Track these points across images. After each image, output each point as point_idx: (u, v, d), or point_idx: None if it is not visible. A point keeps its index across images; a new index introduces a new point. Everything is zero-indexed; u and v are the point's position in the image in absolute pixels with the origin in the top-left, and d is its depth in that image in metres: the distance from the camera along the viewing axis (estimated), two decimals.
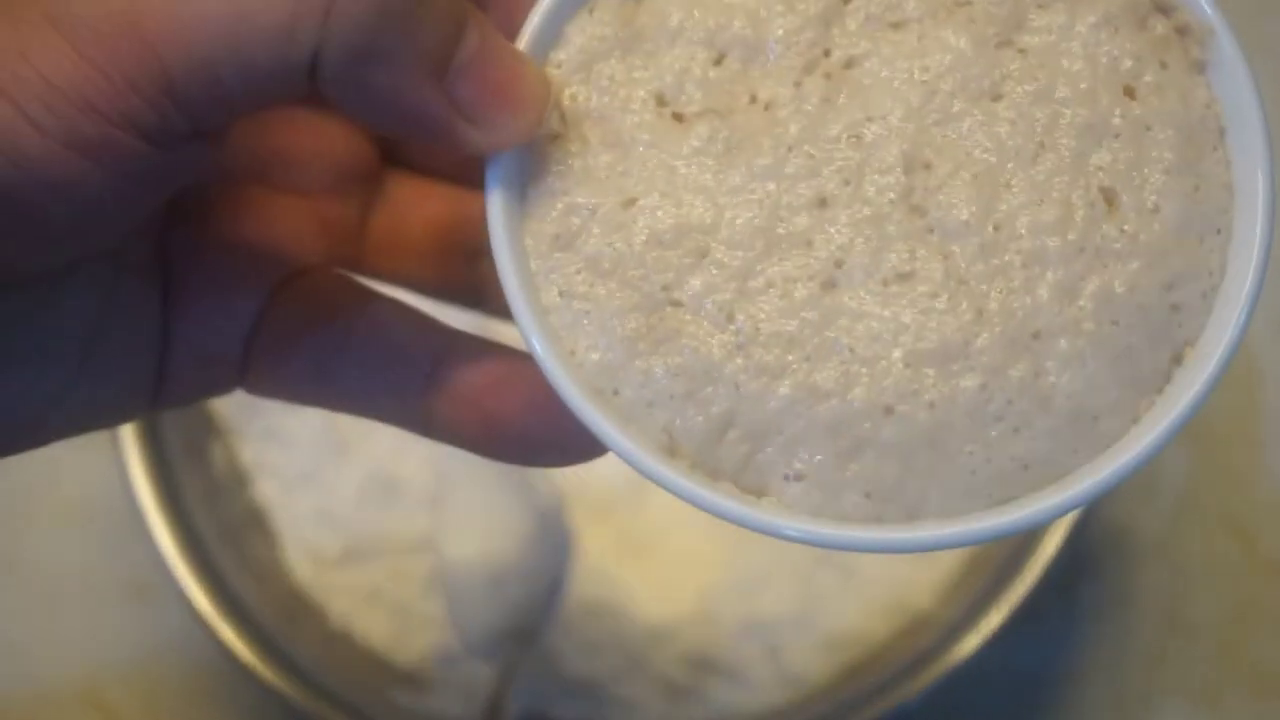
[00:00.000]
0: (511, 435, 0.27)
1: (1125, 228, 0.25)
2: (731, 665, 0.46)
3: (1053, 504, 0.24)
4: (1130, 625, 0.50)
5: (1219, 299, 0.26)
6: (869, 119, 0.26)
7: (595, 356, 0.25)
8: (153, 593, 0.49)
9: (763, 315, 0.25)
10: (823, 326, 0.25)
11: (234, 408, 0.47)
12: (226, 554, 0.45)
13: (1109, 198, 0.26)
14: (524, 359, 0.26)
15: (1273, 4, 0.55)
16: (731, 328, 0.25)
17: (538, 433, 0.27)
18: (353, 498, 0.46)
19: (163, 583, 0.43)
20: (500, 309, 0.25)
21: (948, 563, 0.46)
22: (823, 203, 0.26)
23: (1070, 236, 0.25)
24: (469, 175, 0.26)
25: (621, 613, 0.47)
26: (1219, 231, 0.26)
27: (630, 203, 0.26)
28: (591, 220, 0.26)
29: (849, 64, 0.27)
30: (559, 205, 0.26)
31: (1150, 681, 0.49)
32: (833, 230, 0.26)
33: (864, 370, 0.25)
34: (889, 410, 0.25)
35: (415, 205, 0.30)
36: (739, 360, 0.25)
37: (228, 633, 0.42)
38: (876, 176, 0.26)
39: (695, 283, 0.26)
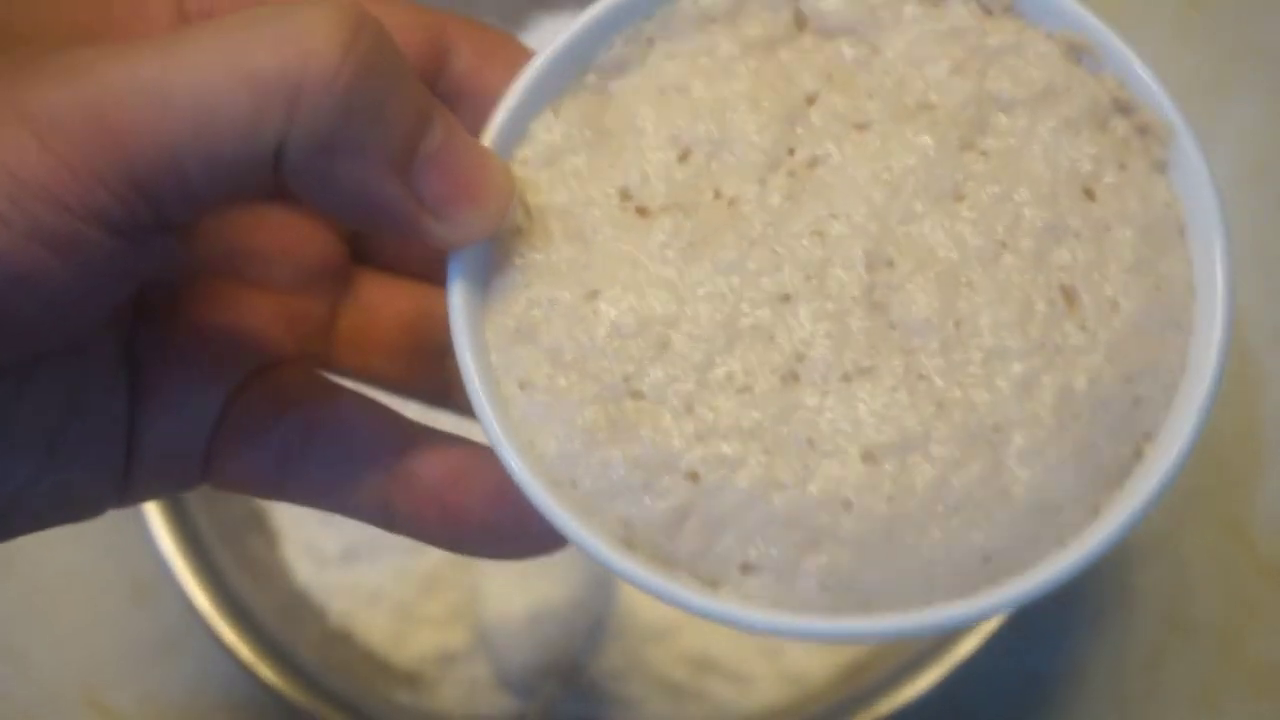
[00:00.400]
0: (472, 527, 0.27)
1: (1085, 324, 0.26)
2: (731, 665, 0.46)
3: (1010, 595, 0.24)
4: (1130, 625, 0.50)
5: (1179, 394, 0.26)
6: (833, 216, 0.26)
7: (554, 447, 0.25)
8: (152, 593, 0.49)
9: (723, 408, 0.26)
10: (782, 420, 0.25)
11: None
12: (226, 554, 0.45)
13: (1069, 296, 0.26)
14: (484, 452, 0.26)
15: (1272, 3, 0.55)
16: (691, 419, 0.26)
17: (499, 524, 0.27)
18: None
19: (163, 583, 0.43)
20: (466, 405, 0.26)
21: None
22: (785, 298, 0.26)
23: (1031, 333, 0.26)
24: (437, 273, 0.26)
25: (622, 612, 0.47)
26: (1179, 327, 0.26)
27: (592, 295, 0.26)
28: (553, 312, 0.26)
29: (813, 163, 0.27)
30: (521, 298, 0.26)
31: (1150, 682, 0.49)
32: (795, 324, 0.26)
33: (822, 463, 0.25)
34: (847, 504, 0.25)
35: (384, 302, 0.30)
36: (698, 451, 0.25)
37: (228, 633, 0.42)
38: (839, 272, 0.26)
39: (656, 373, 0.26)
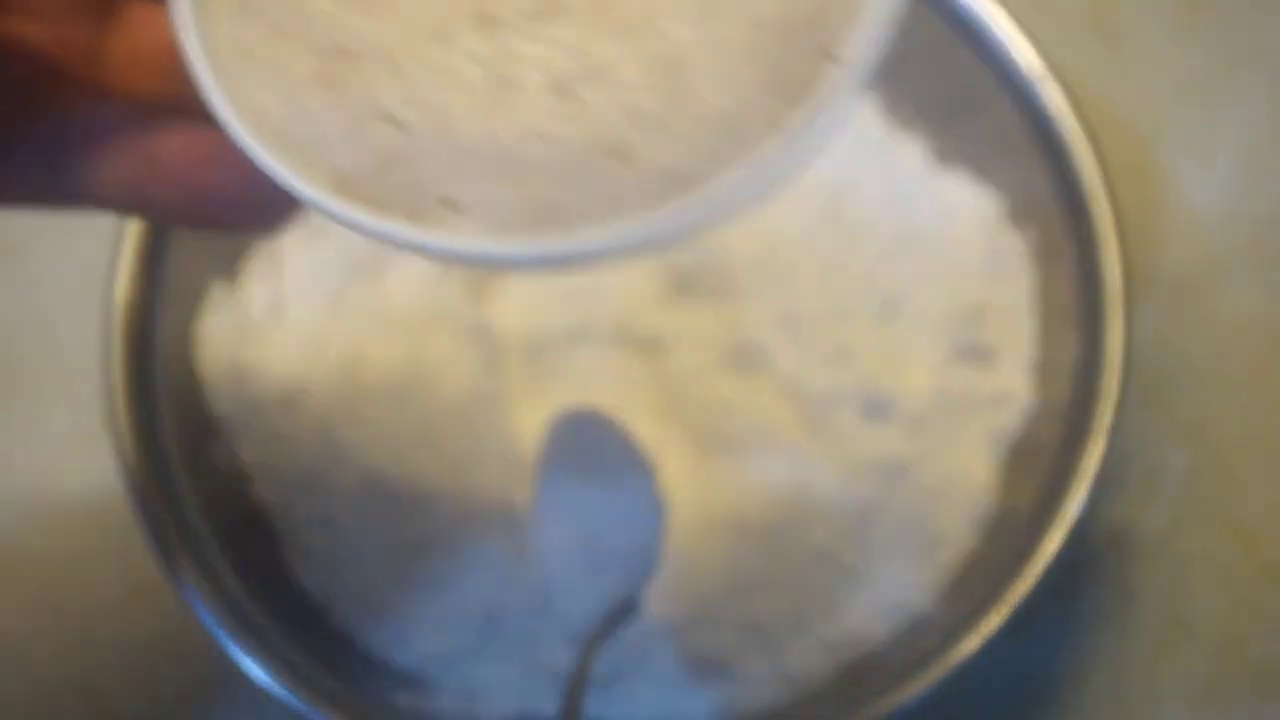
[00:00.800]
0: (216, 202, 0.29)
1: None
2: (732, 665, 0.46)
3: (696, 202, 0.25)
4: (1131, 626, 0.50)
5: (860, 13, 0.26)
6: None
7: (272, 106, 0.27)
8: (153, 593, 0.49)
9: (424, 58, 0.27)
10: (477, 61, 0.27)
11: (234, 410, 0.47)
12: (226, 555, 0.45)
13: None
14: (224, 137, 0.28)
15: (1273, 3, 0.55)
16: (397, 72, 0.27)
17: (240, 196, 0.29)
18: (353, 497, 0.47)
19: (163, 583, 0.43)
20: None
21: (947, 563, 0.46)
22: None
23: None
24: None
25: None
26: None
27: None
28: None
29: None
30: None
31: (1151, 682, 0.49)
32: None
33: (518, 99, 0.26)
34: (540, 134, 0.26)
35: (148, 24, 0.30)
36: (401, 99, 0.27)
37: (227, 635, 0.43)
38: None
39: (363, 32, 0.27)
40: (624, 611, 0.41)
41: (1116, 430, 0.43)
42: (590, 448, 0.38)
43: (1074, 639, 0.50)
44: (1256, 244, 0.53)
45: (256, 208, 0.29)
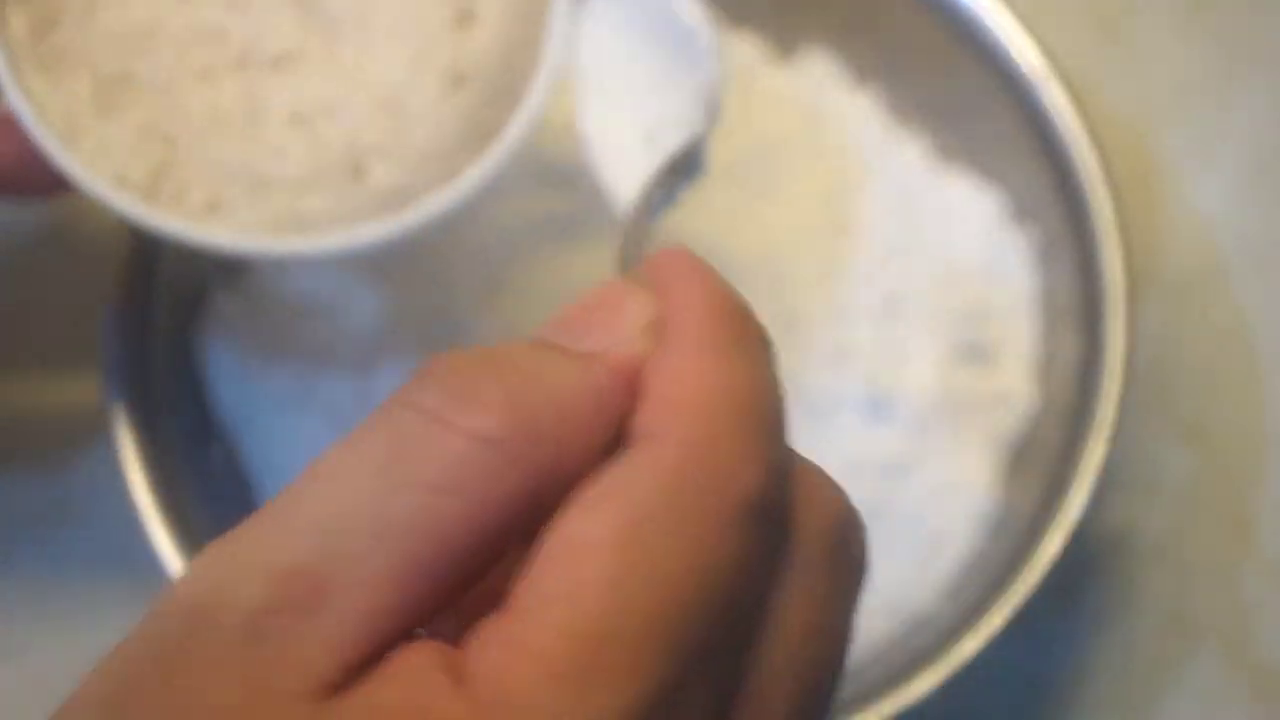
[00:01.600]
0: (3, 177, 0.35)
1: (474, 30, 0.35)
2: None
3: (406, 219, 0.33)
4: (1133, 626, 0.50)
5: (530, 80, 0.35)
6: None
7: (64, 117, 0.34)
8: (152, 592, 0.49)
9: (192, 88, 0.34)
10: (235, 95, 0.34)
11: (235, 408, 0.47)
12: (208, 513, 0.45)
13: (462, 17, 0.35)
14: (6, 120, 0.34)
15: (1275, 3, 0.55)
16: (168, 97, 0.34)
17: (23, 174, 0.35)
18: None
19: (162, 582, 0.43)
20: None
21: (948, 564, 0.46)
22: (231, 4, 0.35)
23: (424, 30, 0.34)
24: None
25: None
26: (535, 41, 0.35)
27: (91, 5, 0.34)
28: (64, 18, 0.34)
29: None
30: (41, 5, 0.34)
31: (1153, 682, 0.49)
32: (242, 22, 0.34)
33: (264, 123, 0.34)
34: (281, 153, 0.34)
35: None
36: (174, 121, 0.34)
37: None
38: None
39: (142, 65, 0.34)
40: (687, 164, 0.37)
41: (1118, 431, 0.43)
42: (630, 7, 0.37)
43: (1076, 639, 0.50)
44: (1258, 243, 0.53)
45: (30, 184, 0.36)
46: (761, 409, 0.19)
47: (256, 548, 0.17)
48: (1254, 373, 0.52)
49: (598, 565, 0.17)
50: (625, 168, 0.36)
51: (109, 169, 0.34)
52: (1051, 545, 0.43)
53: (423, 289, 0.48)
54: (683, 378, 0.18)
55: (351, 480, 0.17)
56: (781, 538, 0.19)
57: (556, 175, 0.49)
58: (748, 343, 0.20)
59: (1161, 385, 0.52)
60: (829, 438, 0.47)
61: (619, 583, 0.16)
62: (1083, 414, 0.44)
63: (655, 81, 0.37)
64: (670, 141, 0.37)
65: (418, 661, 0.16)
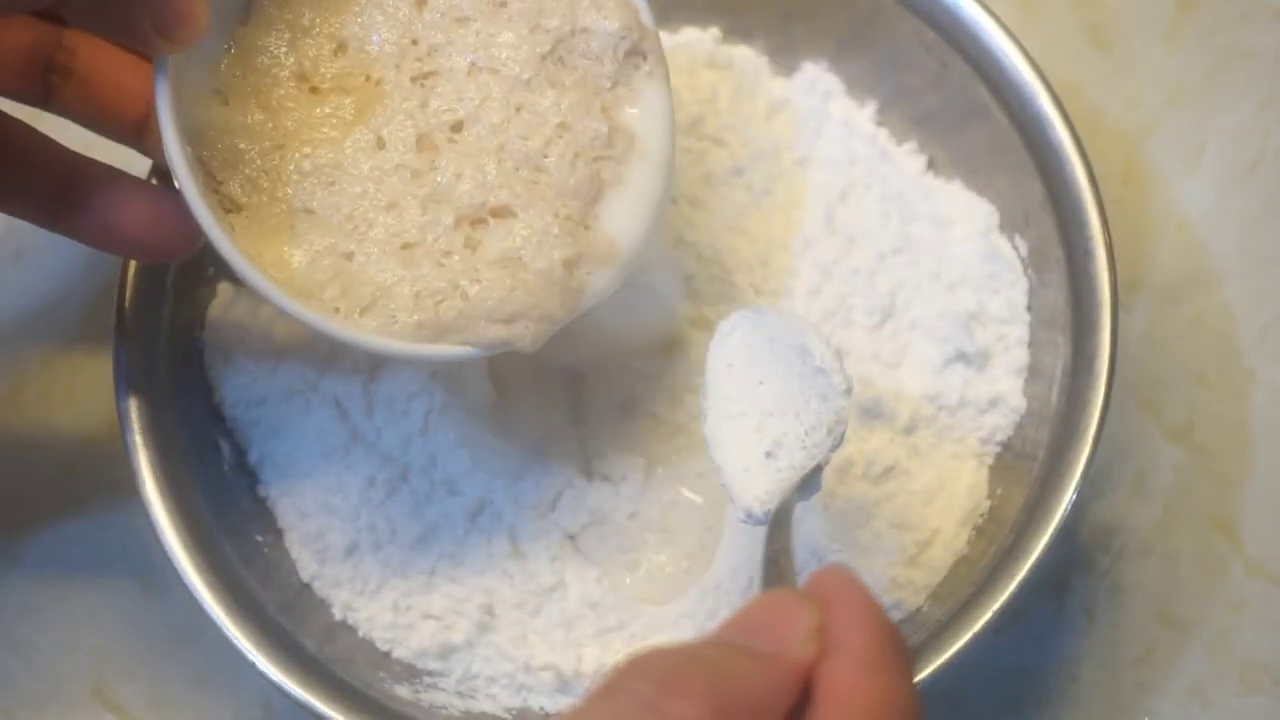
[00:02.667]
0: (160, 255, 0.41)
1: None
2: None
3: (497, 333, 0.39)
4: (1120, 622, 0.50)
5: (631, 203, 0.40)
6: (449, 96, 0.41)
7: (264, 251, 0.39)
8: (159, 587, 0.49)
9: (373, 219, 0.39)
10: (403, 230, 0.39)
11: (241, 407, 0.48)
12: (231, 549, 0.45)
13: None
14: (165, 197, 0.39)
15: (1261, 6, 0.55)
16: (351, 224, 0.39)
17: (175, 249, 0.40)
18: (358, 492, 0.47)
19: (169, 577, 0.44)
20: (73, 114, 0.41)
21: (939, 562, 0.47)
22: (418, 143, 0.40)
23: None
24: (47, 12, 0.38)
25: (623, 608, 0.47)
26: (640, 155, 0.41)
27: (280, 147, 0.40)
28: (252, 154, 0.39)
29: (432, 50, 0.41)
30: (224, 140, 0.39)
31: (1140, 677, 0.50)
32: (441, 164, 0.40)
33: (422, 257, 0.39)
34: (434, 293, 0.39)
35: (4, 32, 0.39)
36: (354, 244, 0.39)
37: (233, 627, 0.43)
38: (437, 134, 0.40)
39: (324, 198, 0.39)
40: (807, 484, 0.40)
41: (1105, 432, 0.44)
42: (763, 338, 0.41)
43: (1065, 635, 0.50)
44: (1243, 246, 0.53)
45: (175, 251, 0.41)
46: (910, 716, 0.24)
47: None
48: (1239, 373, 0.52)
49: None
50: (744, 475, 0.39)
51: (296, 283, 0.39)
52: (1040, 543, 0.43)
53: None
54: (853, 691, 0.23)
55: None
56: None
57: None
58: (900, 658, 0.24)
59: (1148, 385, 0.52)
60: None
61: None
62: (1070, 416, 0.44)
63: (780, 405, 0.40)
64: (794, 460, 0.40)
65: None
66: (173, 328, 0.47)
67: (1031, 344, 0.48)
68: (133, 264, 0.46)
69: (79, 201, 0.39)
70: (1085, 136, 0.46)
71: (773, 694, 0.23)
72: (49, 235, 0.52)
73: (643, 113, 0.40)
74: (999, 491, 0.47)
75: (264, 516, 0.48)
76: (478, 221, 0.39)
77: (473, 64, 0.40)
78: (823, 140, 0.50)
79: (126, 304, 0.45)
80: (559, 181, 0.39)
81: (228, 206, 0.39)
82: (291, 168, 0.39)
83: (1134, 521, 0.51)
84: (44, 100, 0.41)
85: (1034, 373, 0.48)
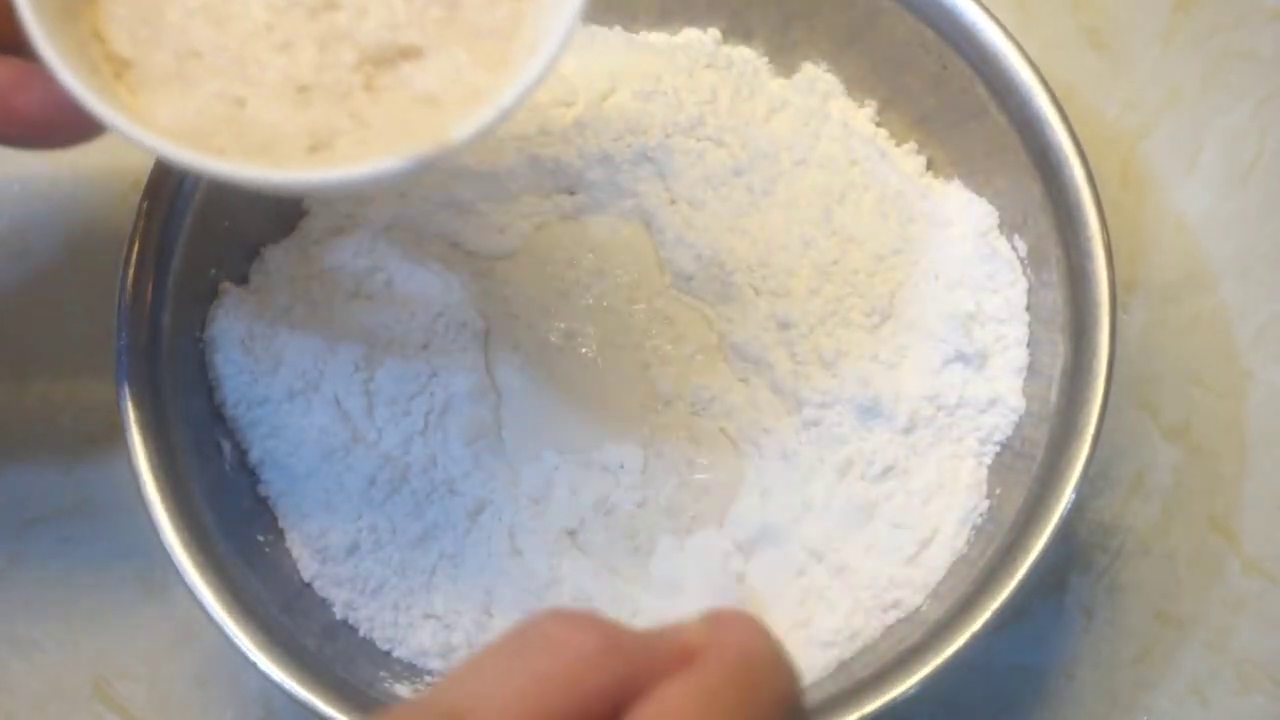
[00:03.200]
0: (30, 125, 0.36)
1: None
2: None
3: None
4: (1119, 620, 0.50)
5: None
6: None
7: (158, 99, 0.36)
8: (160, 587, 0.49)
9: (267, 59, 0.36)
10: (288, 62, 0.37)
11: (242, 407, 0.48)
12: (232, 548, 0.45)
13: None
14: (36, 67, 0.34)
15: (1259, 7, 0.55)
16: (240, 68, 0.36)
17: (52, 121, 0.36)
18: (358, 492, 0.47)
19: (170, 577, 0.44)
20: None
21: (938, 561, 0.47)
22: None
23: None
24: None
25: (620, 601, 0.47)
26: None
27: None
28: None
29: None
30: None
31: (1139, 675, 0.50)
32: (341, 1, 0.37)
33: (316, 95, 0.36)
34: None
35: None
36: (242, 91, 0.36)
37: (233, 627, 0.43)
38: None
39: (209, 36, 0.36)
40: None
41: (1104, 431, 0.44)
42: None
43: (1063, 634, 0.50)
44: (1241, 247, 0.53)
45: (58, 129, 0.36)
46: (787, 663, 0.28)
47: (425, 702, 0.26)
48: (1237, 373, 0.52)
49: (681, 709, 0.25)
50: None
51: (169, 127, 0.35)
52: (1039, 542, 0.43)
53: (427, 284, 0.49)
54: (729, 632, 0.27)
55: (492, 664, 0.26)
56: None
57: (562, 176, 0.50)
58: (770, 632, 0.28)
59: (1147, 385, 0.52)
60: (823, 439, 0.48)
61: None
62: (1069, 416, 0.44)
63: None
64: None
65: None
66: (173, 328, 0.47)
67: (1030, 344, 0.48)
68: (133, 264, 0.46)
69: None
70: (1083, 137, 0.46)
71: (663, 650, 0.27)
72: (49, 235, 0.53)
73: None
74: (998, 491, 0.47)
75: (265, 516, 0.48)
76: (382, 62, 0.37)
77: None
78: (822, 141, 0.50)
79: (127, 304, 0.45)
80: (475, 20, 0.37)
81: (119, 68, 0.36)
82: (177, 9, 0.36)
83: (1132, 521, 0.51)
84: None
85: (1033, 372, 0.48)
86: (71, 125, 0.36)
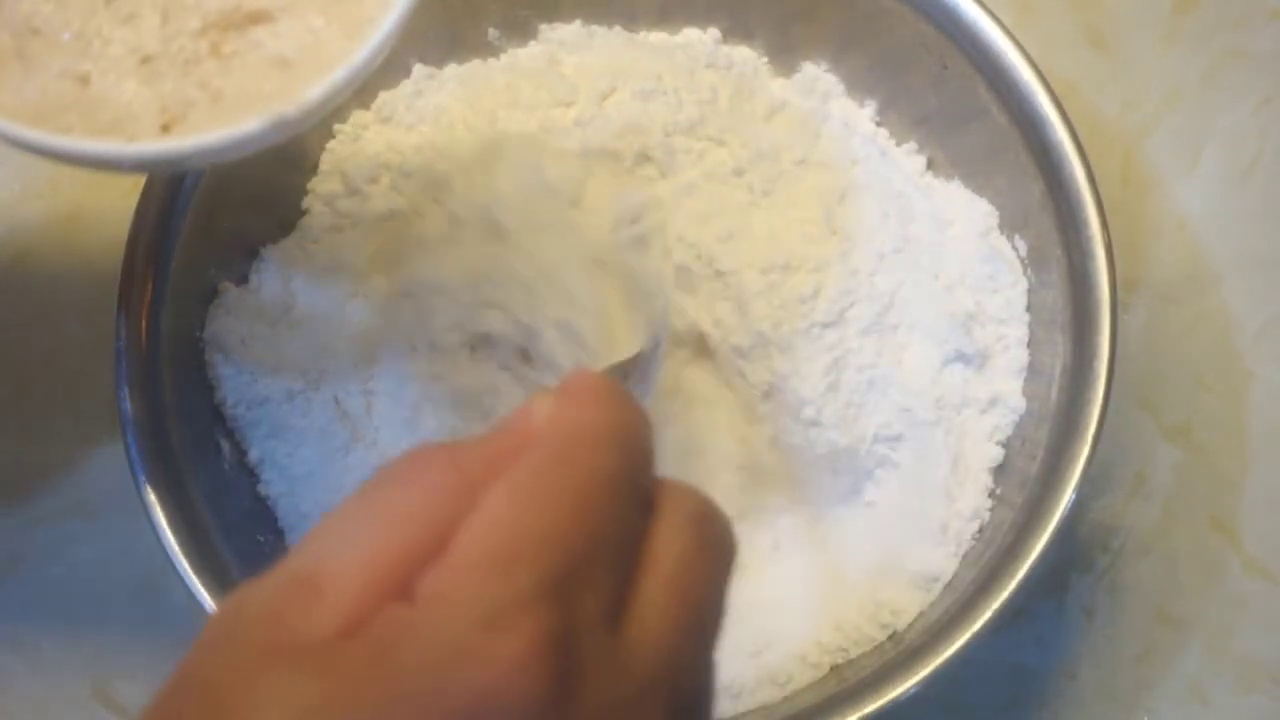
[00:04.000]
0: None
1: None
2: (721, 661, 0.46)
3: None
4: (1120, 621, 0.50)
5: None
6: None
7: None
8: (161, 588, 0.49)
9: (109, 33, 0.35)
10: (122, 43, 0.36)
11: (242, 407, 0.48)
12: (232, 548, 0.45)
13: None
14: None
15: (1259, 6, 0.55)
16: (81, 45, 0.35)
17: None
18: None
19: (170, 578, 0.44)
20: None
21: (939, 560, 0.47)
22: None
23: None
24: None
25: None
26: None
27: None
28: None
29: None
30: None
31: (1140, 676, 0.50)
32: None
33: (163, 66, 0.35)
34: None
35: None
36: (85, 67, 0.35)
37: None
38: None
39: (48, 13, 0.35)
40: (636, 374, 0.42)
41: (1104, 432, 0.44)
42: None
43: (1064, 634, 0.50)
44: (1242, 247, 0.53)
45: None
46: (621, 435, 0.27)
47: (279, 567, 0.25)
48: (1238, 373, 0.52)
49: (500, 506, 0.24)
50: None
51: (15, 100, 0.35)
52: (1039, 542, 0.43)
53: (415, 289, 0.49)
54: (567, 409, 0.27)
55: (339, 520, 0.25)
56: (645, 507, 0.26)
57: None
58: (619, 399, 0.28)
59: (1148, 385, 0.52)
60: (819, 438, 0.48)
61: (517, 516, 0.24)
62: (1070, 415, 0.45)
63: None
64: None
65: (390, 607, 0.24)
66: (173, 327, 0.47)
67: (1031, 344, 0.48)
68: (133, 265, 0.46)
69: None
70: (1083, 137, 0.46)
71: (500, 452, 0.26)
72: (50, 236, 0.53)
73: None
74: (998, 491, 0.47)
75: (264, 516, 0.48)
76: (229, 28, 0.36)
77: None
78: (822, 140, 0.50)
79: (127, 304, 0.45)
80: None
81: None
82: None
83: (1133, 521, 0.51)
84: None
85: (1033, 372, 0.48)
86: None
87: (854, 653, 0.46)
